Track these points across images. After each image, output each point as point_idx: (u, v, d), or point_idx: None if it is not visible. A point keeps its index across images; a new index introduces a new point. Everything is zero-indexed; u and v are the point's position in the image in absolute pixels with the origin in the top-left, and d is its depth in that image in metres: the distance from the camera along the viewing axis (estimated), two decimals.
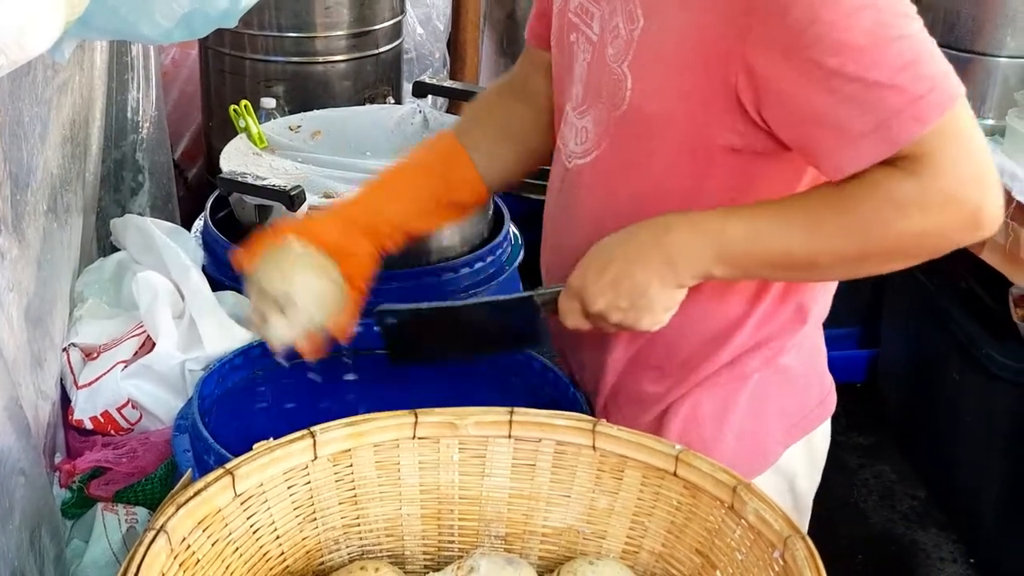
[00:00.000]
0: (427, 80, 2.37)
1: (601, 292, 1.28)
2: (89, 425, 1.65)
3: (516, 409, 1.24)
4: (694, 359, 1.42)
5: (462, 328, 1.35)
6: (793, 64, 1.17)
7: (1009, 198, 2.37)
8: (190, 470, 1.17)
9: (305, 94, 2.82)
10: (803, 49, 1.16)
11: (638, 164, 1.33)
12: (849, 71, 1.15)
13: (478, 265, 1.91)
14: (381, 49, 2.93)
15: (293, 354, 1.50)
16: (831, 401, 1.55)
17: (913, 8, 1.19)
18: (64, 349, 1.70)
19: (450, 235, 1.91)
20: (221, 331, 1.65)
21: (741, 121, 1.25)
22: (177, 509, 1.07)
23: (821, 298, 1.46)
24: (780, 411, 1.47)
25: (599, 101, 1.36)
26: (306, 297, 1.36)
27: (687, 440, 1.34)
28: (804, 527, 1.52)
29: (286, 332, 1.37)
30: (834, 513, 2.98)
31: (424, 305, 1.34)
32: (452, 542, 1.27)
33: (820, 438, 1.54)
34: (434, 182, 1.51)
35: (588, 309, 1.29)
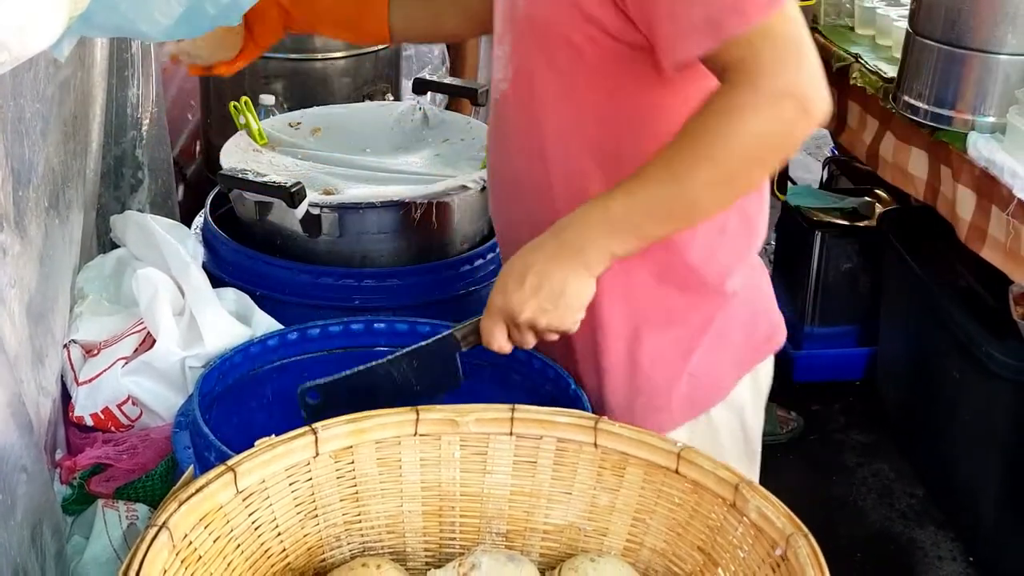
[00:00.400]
0: (426, 77, 2.36)
1: (525, 300, 1.32)
2: (90, 422, 1.64)
3: (517, 406, 1.24)
4: (666, 301, 1.48)
5: (385, 386, 1.35)
6: None
7: (1010, 196, 2.37)
8: (192, 467, 1.17)
9: (304, 91, 2.81)
10: None
11: (540, 72, 1.42)
12: None
13: (478, 262, 1.91)
14: (380, 46, 2.93)
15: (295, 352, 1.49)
16: (780, 335, 1.61)
17: None
18: (65, 345, 1.70)
19: (451, 232, 1.91)
20: (221, 328, 1.65)
21: (613, 14, 1.32)
22: (179, 506, 1.07)
23: (762, 209, 1.52)
24: (732, 343, 1.53)
25: (509, 24, 1.46)
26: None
27: (651, 372, 1.47)
28: (756, 470, 1.61)
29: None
30: (832, 512, 2.98)
31: (342, 374, 1.35)
32: (453, 539, 1.27)
33: (764, 373, 1.60)
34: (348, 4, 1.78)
35: (516, 320, 1.33)
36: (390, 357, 1.35)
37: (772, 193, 2.04)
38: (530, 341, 1.36)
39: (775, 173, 1.39)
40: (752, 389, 1.58)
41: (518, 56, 1.45)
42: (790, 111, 1.24)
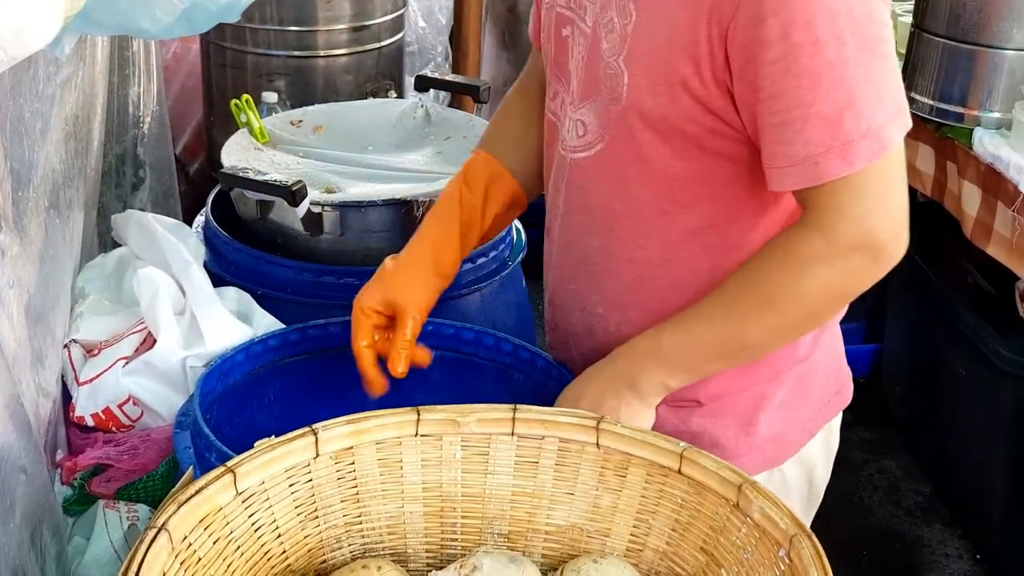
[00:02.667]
0: (429, 74, 2.36)
1: None
2: (90, 422, 1.64)
3: (519, 406, 1.23)
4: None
5: None
6: (750, 70, 1.19)
7: (1016, 192, 2.36)
8: (191, 468, 1.16)
9: (307, 88, 2.81)
10: (763, 64, 1.17)
11: (644, 157, 1.33)
12: (791, 98, 1.17)
13: (481, 260, 1.90)
14: (383, 43, 2.93)
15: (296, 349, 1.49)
16: (848, 390, 1.56)
17: (887, 30, 1.20)
18: (65, 345, 1.69)
19: None
20: (222, 327, 1.65)
21: (724, 107, 1.25)
22: (178, 507, 1.06)
23: None
24: (805, 401, 1.48)
25: (598, 94, 1.35)
26: None
27: (721, 430, 1.41)
28: (811, 518, 1.55)
29: None
30: (838, 509, 2.96)
31: None
32: (455, 540, 1.27)
33: (835, 427, 1.56)
34: (475, 212, 1.53)
35: None
36: None
37: None
38: None
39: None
40: (824, 445, 1.54)
41: (612, 132, 1.33)
42: (860, 262, 1.21)
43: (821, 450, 1.54)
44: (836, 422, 1.56)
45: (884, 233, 1.21)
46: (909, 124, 1.22)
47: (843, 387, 1.56)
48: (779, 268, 1.24)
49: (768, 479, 1.47)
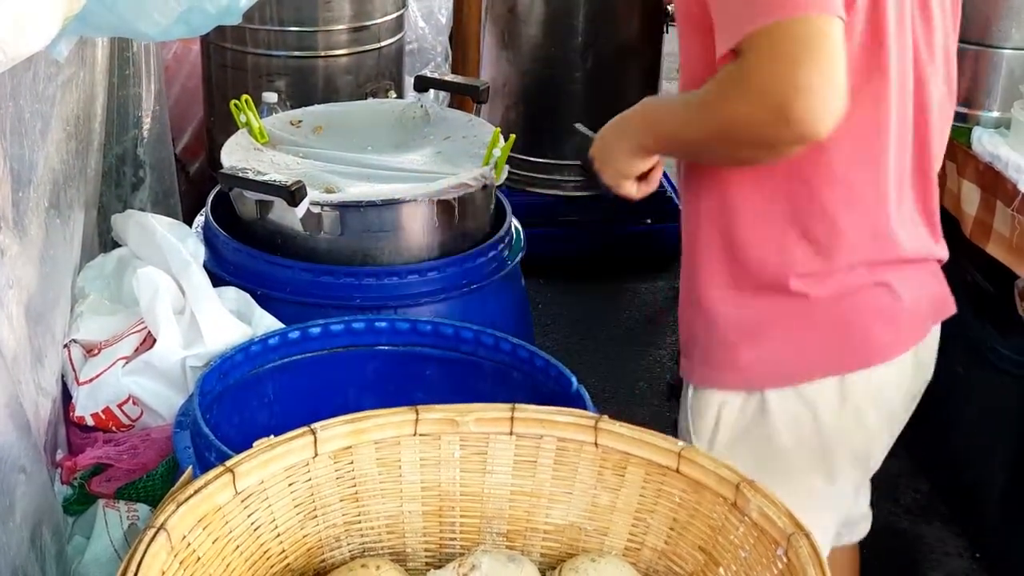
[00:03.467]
0: (428, 74, 2.36)
1: (595, 146, 1.67)
2: (90, 421, 1.64)
3: (518, 405, 1.23)
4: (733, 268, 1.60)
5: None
6: None
7: (1015, 191, 2.36)
8: (190, 467, 1.16)
9: (307, 89, 2.81)
10: None
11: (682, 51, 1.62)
12: None
13: (480, 260, 1.91)
14: (383, 43, 2.93)
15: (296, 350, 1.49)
16: (870, 356, 1.60)
17: None
18: (65, 345, 1.70)
19: (452, 230, 1.91)
20: (222, 327, 1.65)
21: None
22: (177, 507, 1.06)
23: (842, 236, 1.54)
24: (802, 339, 1.58)
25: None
26: None
27: (714, 339, 1.61)
28: (829, 466, 1.66)
29: None
30: None
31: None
32: (454, 539, 1.27)
33: (860, 386, 1.60)
34: None
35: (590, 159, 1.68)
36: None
37: None
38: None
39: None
40: (837, 393, 1.60)
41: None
42: (762, 111, 1.34)
43: (834, 399, 1.60)
44: (860, 383, 1.60)
45: (793, 95, 1.31)
46: (832, 11, 1.32)
47: (865, 350, 1.60)
48: (716, 89, 1.41)
49: (747, 400, 1.60)
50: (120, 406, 1.63)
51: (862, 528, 1.94)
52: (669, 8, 3.57)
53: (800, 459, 1.62)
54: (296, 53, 2.82)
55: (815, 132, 1.33)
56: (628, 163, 1.62)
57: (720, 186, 1.57)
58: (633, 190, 1.66)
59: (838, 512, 1.75)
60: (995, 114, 2.54)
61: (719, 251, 1.59)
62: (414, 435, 1.22)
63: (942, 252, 1.77)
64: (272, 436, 1.16)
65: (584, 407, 1.44)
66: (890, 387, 1.66)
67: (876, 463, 1.81)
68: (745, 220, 1.56)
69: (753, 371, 1.59)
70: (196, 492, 1.08)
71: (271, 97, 2.45)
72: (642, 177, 1.65)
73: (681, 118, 1.53)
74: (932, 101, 1.59)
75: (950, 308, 1.80)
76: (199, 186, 2.99)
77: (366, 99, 2.75)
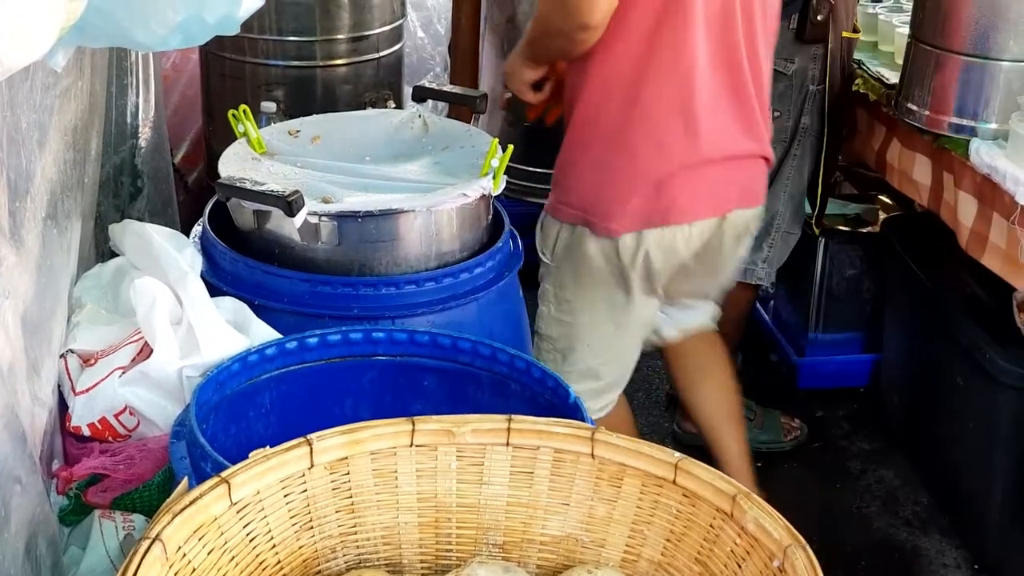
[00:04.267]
0: (427, 85, 2.36)
1: (505, 66, 2.31)
2: (87, 432, 1.64)
3: (514, 417, 1.23)
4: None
5: None
6: None
7: (1012, 203, 2.36)
8: (186, 478, 1.16)
9: (305, 98, 2.81)
10: None
11: None
12: None
13: (478, 270, 1.90)
14: (381, 53, 2.93)
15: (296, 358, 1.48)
16: (674, 216, 2.14)
17: None
18: (62, 355, 1.69)
19: (450, 241, 1.91)
20: (219, 337, 1.65)
21: None
22: (172, 518, 1.06)
23: (665, 134, 2.10)
24: (608, 182, 2.14)
25: None
26: None
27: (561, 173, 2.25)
28: (627, 284, 2.22)
29: None
30: (836, 519, 2.96)
31: None
32: (450, 550, 1.27)
33: (653, 238, 2.15)
34: None
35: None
36: None
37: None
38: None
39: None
40: (631, 250, 2.15)
41: None
42: (556, 9, 2.00)
43: (628, 252, 2.15)
44: (658, 240, 2.15)
45: None
46: None
47: (669, 210, 2.13)
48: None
49: (572, 230, 2.18)
50: (117, 416, 1.63)
51: (693, 318, 2.53)
52: None
53: (604, 275, 2.18)
54: (295, 63, 2.83)
55: (590, 20, 1.94)
56: (520, 72, 2.21)
57: (587, 81, 2.11)
58: (531, 96, 2.25)
59: (643, 316, 2.30)
60: (993, 126, 2.55)
61: (589, 127, 2.13)
62: (410, 446, 1.22)
63: (757, 148, 2.22)
64: (268, 447, 1.16)
65: (581, 418, 1.44)
66: (680, 243, 2.18)
67: (672, 294, 2.34)
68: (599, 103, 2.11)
69: (576, 216, 2.18)
70: (192, 503, 1.08)
71: (270, 107, 2.45)
72: (538, 87, 2.23)
73: (530, 26, 2.14)
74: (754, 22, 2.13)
75: (756, 200, 2.30)
76: (197, 196, 2.99)
77: (364, 109, 2.75)
